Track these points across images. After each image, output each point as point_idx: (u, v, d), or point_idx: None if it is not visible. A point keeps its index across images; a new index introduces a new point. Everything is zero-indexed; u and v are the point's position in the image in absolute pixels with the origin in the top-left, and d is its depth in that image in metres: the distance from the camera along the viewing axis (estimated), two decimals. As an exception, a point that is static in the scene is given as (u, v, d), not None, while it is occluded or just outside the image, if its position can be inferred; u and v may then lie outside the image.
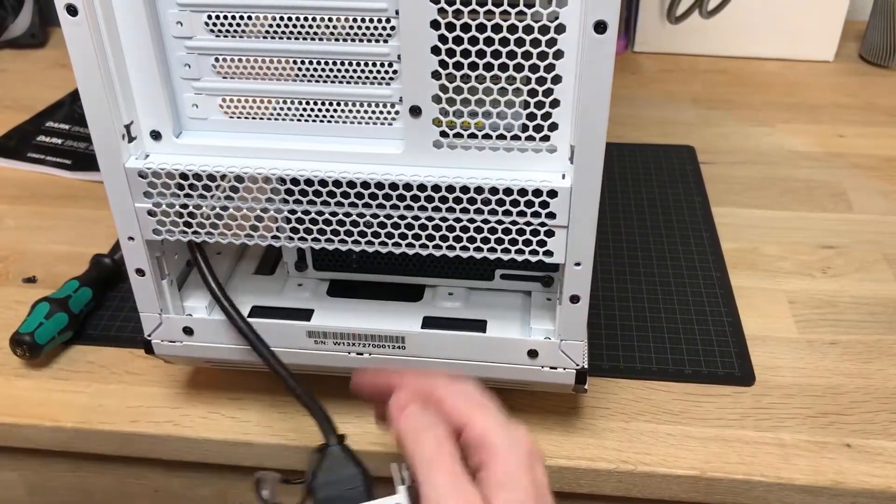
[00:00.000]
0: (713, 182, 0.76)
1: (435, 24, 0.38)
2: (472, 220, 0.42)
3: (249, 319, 0.47)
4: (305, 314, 0.50)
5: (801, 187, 0.75)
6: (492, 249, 0.43)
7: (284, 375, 0.45)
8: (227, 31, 0.41)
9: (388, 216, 0.43)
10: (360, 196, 0.42)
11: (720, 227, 0.70)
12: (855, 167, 0.78)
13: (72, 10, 0.38)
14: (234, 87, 0.42)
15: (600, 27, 0.36)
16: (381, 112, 0.42)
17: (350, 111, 0.42)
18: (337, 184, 0.42)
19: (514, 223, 0.42)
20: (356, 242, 0.44)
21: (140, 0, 0.39)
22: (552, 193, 0.40)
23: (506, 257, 0.43)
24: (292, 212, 0.44)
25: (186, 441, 0.53)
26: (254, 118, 0.43)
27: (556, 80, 0.38)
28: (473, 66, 0.39)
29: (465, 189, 0.41)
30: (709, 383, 0.55)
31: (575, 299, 0.44)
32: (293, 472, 0.55)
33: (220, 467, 0.56)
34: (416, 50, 0.38)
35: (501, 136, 0.41)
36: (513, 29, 0.37)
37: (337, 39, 0.40)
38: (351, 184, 0.42)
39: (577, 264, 0.43)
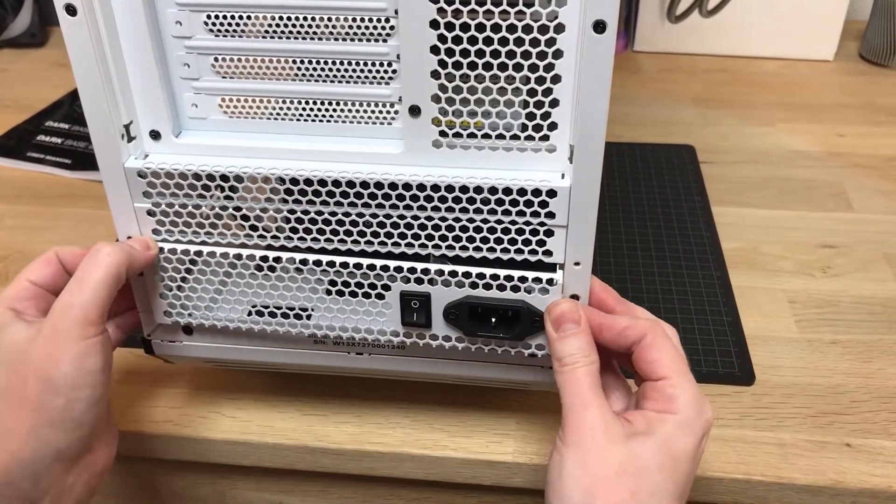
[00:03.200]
0: (713, 182, 0.76)
1: (434, 24, 0.38)
2: (471, 220, 0.42)
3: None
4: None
5: (801, 187, 0.75)
6: (491, 249, 0.43)
7: None
8: (227, 30, 0.41)
9: (388, 216, 0.43)
10: (359, 196, 0.42)
11: (720, 227, 0.70)
12: (855, 167, 0.78)
13: (71, 10, 0.38)
14: (233, 86, 0.42)
15: (600, 26, 0.36)
16: (381, 112, 0.42)
17: (349, 111, 0.42)
18: (336, 183, 0.42)
19: (513, 223, 0.42)
20: (356, 242, 0.44)
21: (139, 0, 0.39)
22: (551, 193, 0.40)
23: (505, 257, 0.43)
24: (292, 211, 0.44)
25: (186, 441, 0.53)
26: (253, 118, 0.43)
27: (556, 79, 0.38)
28: (472, 66, 0.39)
29: (464, 189, 0.41)
30: (708, 382, 0.55)
31: (574, 299, 0.44)
32: (294, 471, 0.55)
33: (220, 467, 0.56)
34: (416, 49, 0.38)
35: (501, 136, 0.41)
36: (512, 28, 0.37)
37: (336, 39, 0.40)
38: (350, 183, 0.42)
39: (577, 264, 0.43)
